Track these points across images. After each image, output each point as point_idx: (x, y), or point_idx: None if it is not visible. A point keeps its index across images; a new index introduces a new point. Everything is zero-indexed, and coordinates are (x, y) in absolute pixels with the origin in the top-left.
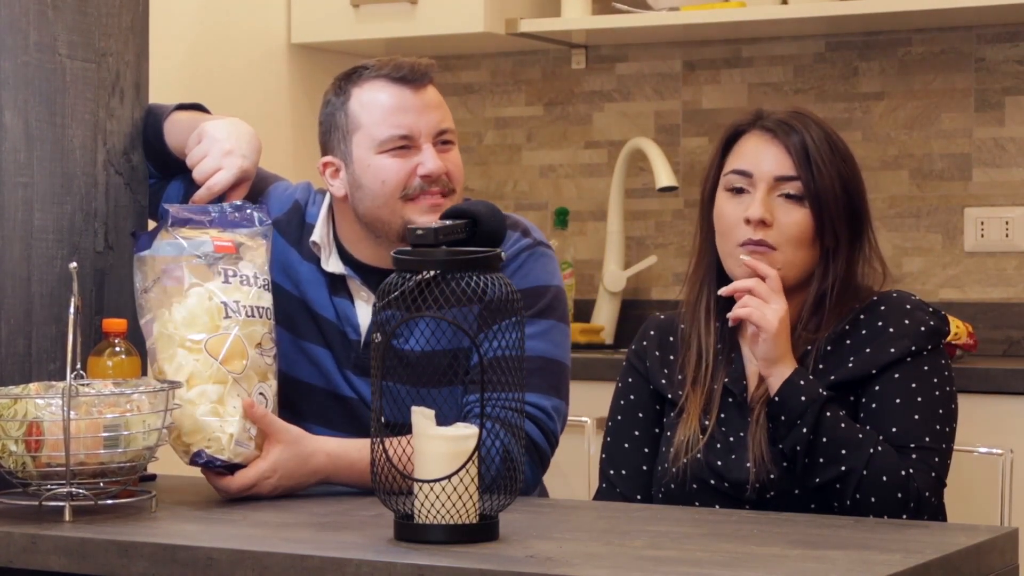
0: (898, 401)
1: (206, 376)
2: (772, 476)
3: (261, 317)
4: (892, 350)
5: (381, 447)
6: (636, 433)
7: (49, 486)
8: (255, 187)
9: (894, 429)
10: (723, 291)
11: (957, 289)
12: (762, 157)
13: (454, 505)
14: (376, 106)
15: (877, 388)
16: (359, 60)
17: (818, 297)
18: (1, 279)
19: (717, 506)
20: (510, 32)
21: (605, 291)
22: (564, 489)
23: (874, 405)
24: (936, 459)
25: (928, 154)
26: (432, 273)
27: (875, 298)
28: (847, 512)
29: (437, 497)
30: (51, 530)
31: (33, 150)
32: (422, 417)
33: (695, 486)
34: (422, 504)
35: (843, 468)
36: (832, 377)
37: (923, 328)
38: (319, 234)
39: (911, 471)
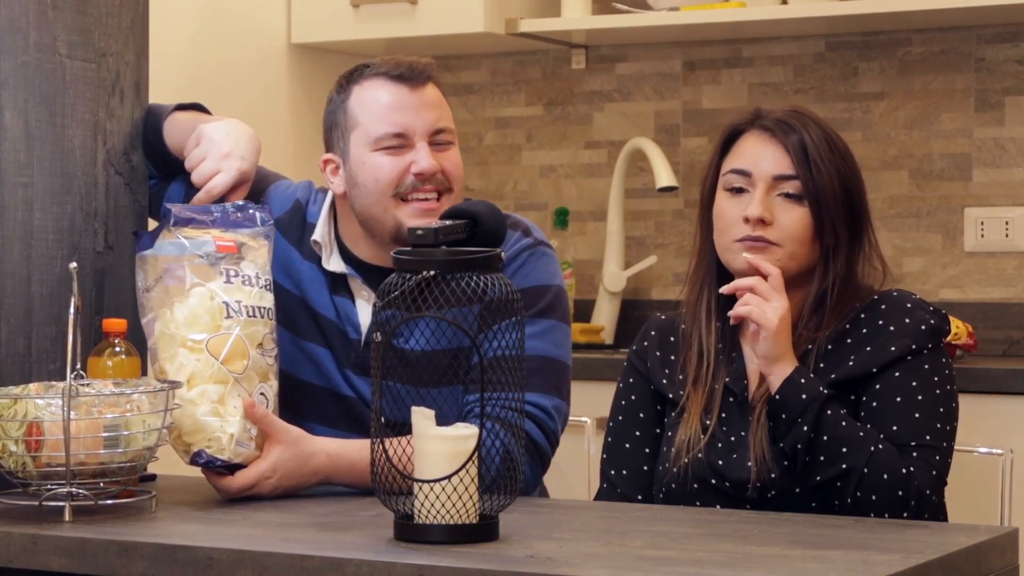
0: (899, 400)
1: (207, 376)
2: (773, 475)
3: (263, 317)
4: (893, 349)
5: (381, 447)
6: (637, 433)
7: (49, 486)
8: (256, 186)
9: (895, 427)
10: (724, 289)
11: (957, 289)
12: (761, 156)
13: (454, 505)
14: (373, 104)
15: (878, 387)
16: (359, 60)
17: (818, 296)
18: (1, 279)
19: (718, 505)
20: (510, 32)
21: (605, 291)
22: (564, 489)
23: (875, 404)
24: (937, 457)
25: (928, 154)
26: (432, 273)
27: (876, 297)
28: (848, 510)
29: (437, 497)
30: (51, 530)
31: (33, 150)
32: (422, 417)
33: (696, 485)
34: (422, 504)
35: (844, 466)
36: (833, 376)
37: (924, 327)
38: (320, 233)
39: (912, 469)
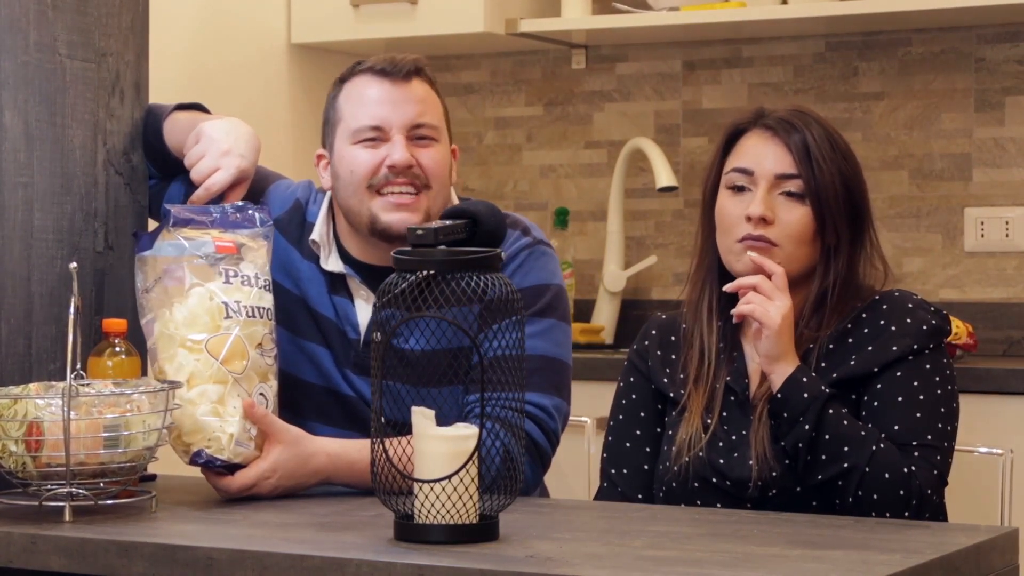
0: (900, 399)
1: (206, 376)
2: (774, 474)
3: (262, 317)
4: (894, 348)
5: (381, 447)
6: (637, 432)
7: (49, 486)
8: (256, 186)
9: (896, 427)
10: (728, 287)
11: (957, 289)
12: (763, 155)
13: (454, 505)
14: (356, 98)
15: (879, 386)
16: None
17: (819, 295)
18: (1, 279)
19: (719, 504)
20: (510, 32)
21: (605, 291)
22: (564, 489)
23: (876, 403)
24: (938, 457)
25: (928, 154)
26: (430, 272)
27: (877, 297)
28: (849, 510)
29: (437, 497)
30: (51, 530)
31: (33, 150)
32: (422, 417)
33: (697, 484)
34: (422, 504)
35: (845, 465)
36: (834, 375)
37: (925, 327)
38: (319, 232)
39: (913, 469)
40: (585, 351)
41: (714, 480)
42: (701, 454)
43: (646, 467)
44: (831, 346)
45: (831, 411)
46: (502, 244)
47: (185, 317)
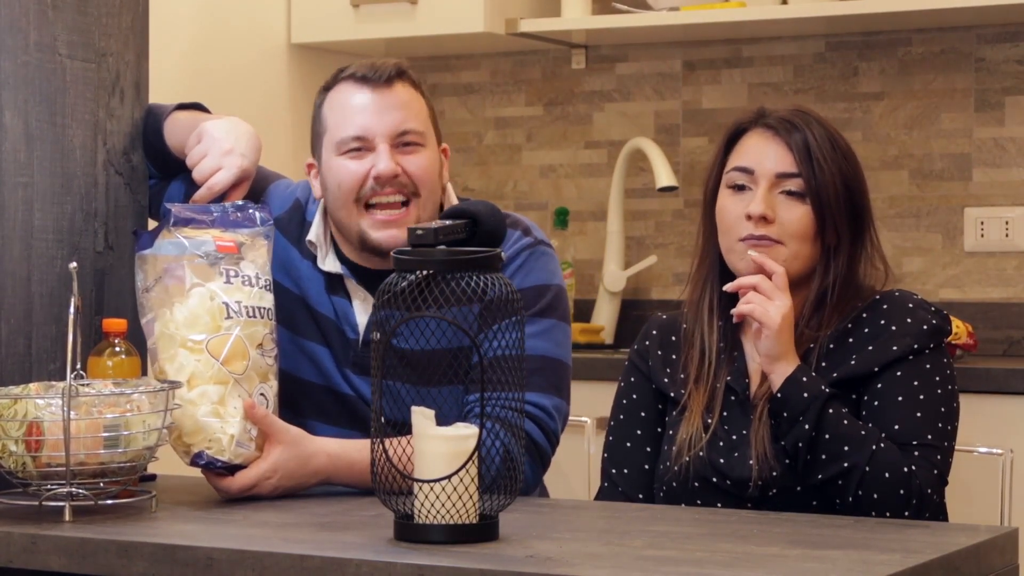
0: (900, 399)
1: (207, 376)
2: (775, 473)
3: (262, 318)
4: (894, 348)
5: (381, 447)
6: (638, 432)
7: (49, 486)
8: (256, 186)
9: (896, 427)
10: (728, 287)
11: (957, 289)
12: (764, 154)
13: (454, 505)
14: (339, 108)
15: (879, 386)
16: (359, 60)
17: (820, 295)
18: (1, 279)
19: (719, 504)
20: (510, 32)
21: (605, 291)
22: (564, 489)
23: (876, 403)
24: (938, 456)
25: (928, 154)
26: (429, 272)
27: (877, 297)
28: (849, 509)
29: (437, 497)
30: (51, 530)
31: (33, 150)
32: (422, 417)
33: (697, 484)
34: (422, 504)
35: (845, 465)
36: (835, 375)
37: (925, 327)
38: (315, 233)
39: (913, 468)
40: (585, 351)
41: (714, 480)
42: (701, 454)
43: (647, 467)
44: (831, 346)
45: (831, 411)
46: (502, 244)
47: (186, 317)
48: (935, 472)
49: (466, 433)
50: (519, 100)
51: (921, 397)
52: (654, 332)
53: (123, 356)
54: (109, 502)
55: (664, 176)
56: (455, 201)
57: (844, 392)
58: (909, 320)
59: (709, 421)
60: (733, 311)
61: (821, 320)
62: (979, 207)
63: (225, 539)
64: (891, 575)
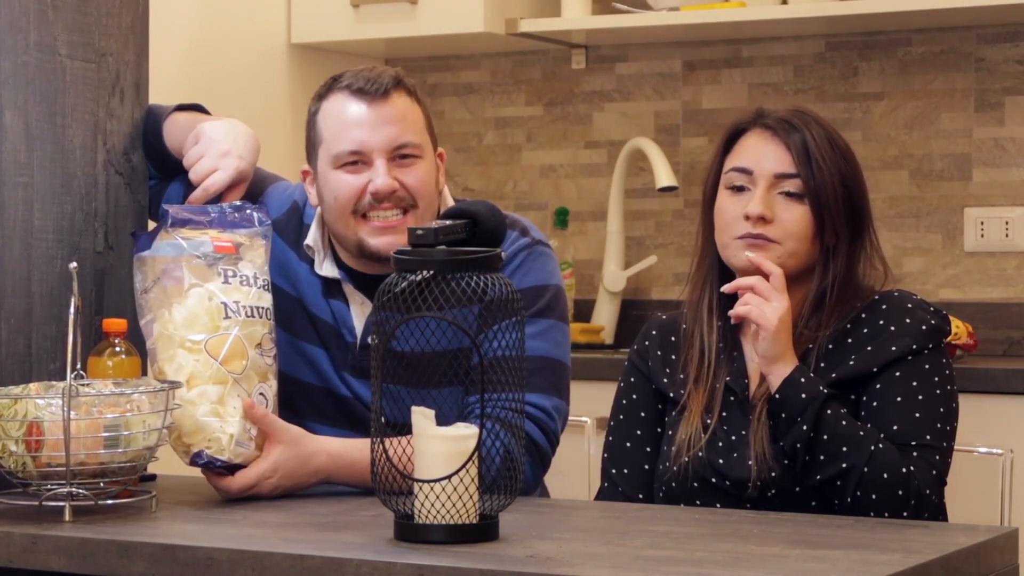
0: (899, 399)
1: (206, 377)
2: (774, 474)
3: (261, 317)
4: (893, 348)
5: (381, 447)
6: (638, 432)
7: (49, 486)
8: (254, 188)
9: (895, 427)
10: (726, 288)
11: (957, 289)
12: (762, 155)
13: (454, 505)
14: (334, 120)
15: (878, 386)
16: (359, 60)
17: (818, 295)
18: (1, 279)
19: (718, 504)
20: (510, 32)
21: (605, 291)
22: (564, 489)
23: (875, 403)
24: (937, 457)
25: (928, 154)
26: (428, 273)
27: (876, 297)
28: (848, 510)
29: (437, 497)
30: (51, 530)
31: (33, 150)
32: (422, 417)
33: (696, 484)
34: (422, 504)
35: (844, 465)
36: (833, 375)
37: (924, 327)
38: (313, 238)
39: (912, 469)
40: (585, 351)
41: (713, 480)
42: (701, 454)
43: (646, 467)
44: (830, 346)
45: (829, 411)
46: (501, 244)
47: (184, 318)
48: (934, 472)
49: (466, 433)
50: (519, 100)
51: (920, 397)
52: (654, 332)
53: (123, 356)
54: (109, 502)
55: (664, 176)
56: (451, 203)
57: (843, 392)
58: (908, 320)
59: (708, 421)
60: (730, 313)
61: (820, 320)
62: (979, 207)
63: (225, 539)
64: (891, 575)
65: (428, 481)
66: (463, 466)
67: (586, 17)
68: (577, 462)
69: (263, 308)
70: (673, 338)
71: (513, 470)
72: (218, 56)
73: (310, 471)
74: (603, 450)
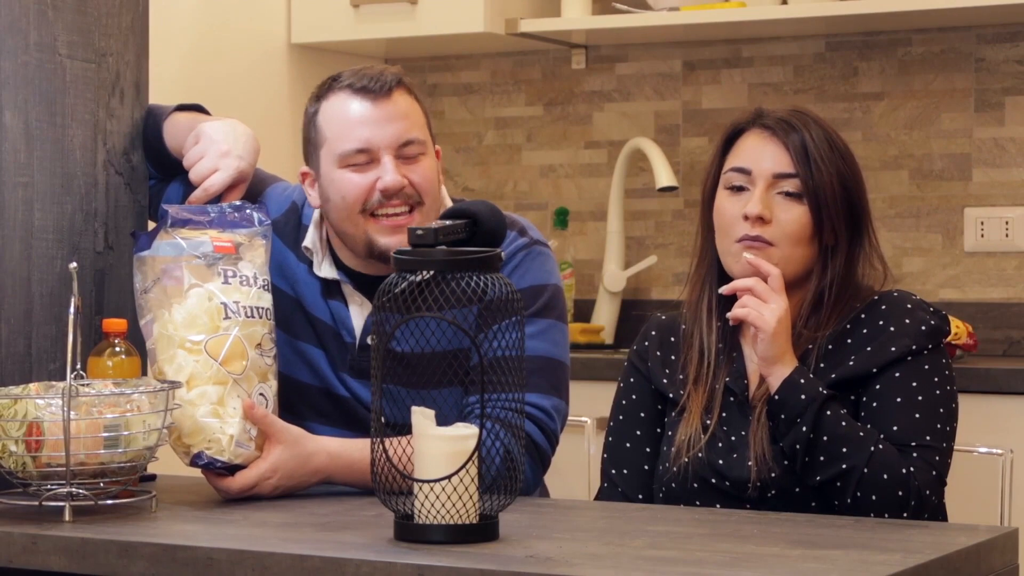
0: (899, 400)
1: (206, 377)
2: (773, 474)
3: (261, 318)
4: (893, 349)
5: (381, 447)
6: (638, 433)
7: (49, 486)
8: (253, 188)
9: (895, 428)
10: (723, 290)
11: (957, 289)
12: (761, 155)
13: (454, 505)
14: (337, 119)
15: (878, 387)
16: (359, 60)
17: (817, 295)
18: (1, 279)
19: (718, 505)
20: (510, 32)
21: (605, 291)
22: (564, 489)
23: (875, 404)
24: (937, 457)
25: (928, 154)
26: (429, 273)
27: (876, 297)
28: (848, 510)
29: (437, 497)
30: (51, 530)
31: (33, 150)
32: (422, 417)
33: (696, 485)
34: (422, 504)
35: (844, 466)
36: (833, 376)
37: (924, 327)
38: (311, 239)
39: (912, 469)
40: (585, 351)
41: (713, 481)
42: (700, 455)
43: (646, 467)
44: (830, 346)
45: (829, 412)
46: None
47: (184, 318)
48: (934, 473)
49: (466, 433)
50: (519, 100)
51: (920, 398)
52: (653, 333)
53: (123, 356)
54: (109, 502)
55: (664, 176)
56: (449, 203)
57: (843, 393)
58: (907, 321)
59: (708, 422)
60: (728, 315)
61: (819, 321)
62: (979, 207)
63: (225, 539)
64: (891, 575)
65: (428, 481)
66: (463, 466)
67: (586, 17)
68: (577, 462)
69: (263, 308)
70: (673, 339)
71: (513, 470)
72: (218, 56)
73: (310, 471)
74: (603, 450)
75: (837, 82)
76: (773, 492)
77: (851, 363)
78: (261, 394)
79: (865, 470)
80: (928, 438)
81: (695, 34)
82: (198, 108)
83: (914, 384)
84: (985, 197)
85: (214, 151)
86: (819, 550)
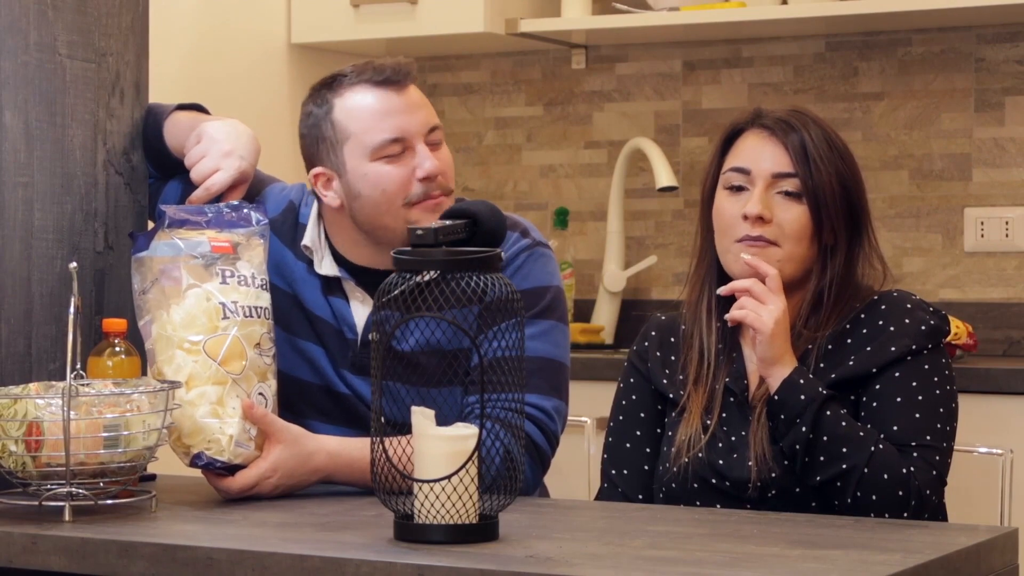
0: (899, 400)
1: (205, 377)
2: (773, 475)
3: (259, 317)
4: (893, 349)
5: (381, 447)
6: (638, 433)
7: (49, 486)
8: (252, 188)
9: (895, 428)
10: (721, 291)
11: (957, 289)
12: (760, 155)
13: (454, 505)
14: (363, 112)
15: (878, 387)
16: (359, 60)
17: (817, 295)
18: (1, 279)
19: (718, 505)
20: (510, 32)
21: (605, 291)
22: (564, 489)
23: (875, 404)
24: (937, 457)
25: (928, 154)
26: (432, 275)
27: (876, 297)
28: (848, 510)
29: (437, 497)
30: (51, 530)
31: (33, 150)
32: (422, 417)
33: (696, 485)
34: (422, 504)
35: (844, 466)
36: (833, 375)
37: (923, 327)
38: (310, 237)
39: (912, 469)
40: (585, 351)
41: (713, 481)
42: (700, 455)
43: (646, 467)
44: (830, 346)
45: (828, 412)
46: (502, 245)
47: (183, 318)
48: (934, 473)
49: (466, 433)
50: (519, 100)
51: (920, 398)
52: (653, 333)
53: (123, 356)
54: (109, 502)
55: (664, 176)
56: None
57: (842, 393)
58: (907, 321)
59: (708, 422)
60: (726, 317)
61: (819, 321)
62: (979, 207)
63: (225, 539)
64: (891, 575)
65: (428, 481)
66: (463, 466)
67: (586, 17)
68: (577, 462)
69: (261, 308)
70: (672, 339)
71: (513, 470)
72: (218, 56)
73: (310, 470)
74: (603, 451)
75: (837, 82)
76: (773, 492)
77: (851, 363)
78: (260, 394)
79: (865, 470)
80: (928, 438)
81: (695, 34)
82: (198, 108)
83: (914, 384)
84: (985, 197)
85: (216, 151)
86: (819, 550)
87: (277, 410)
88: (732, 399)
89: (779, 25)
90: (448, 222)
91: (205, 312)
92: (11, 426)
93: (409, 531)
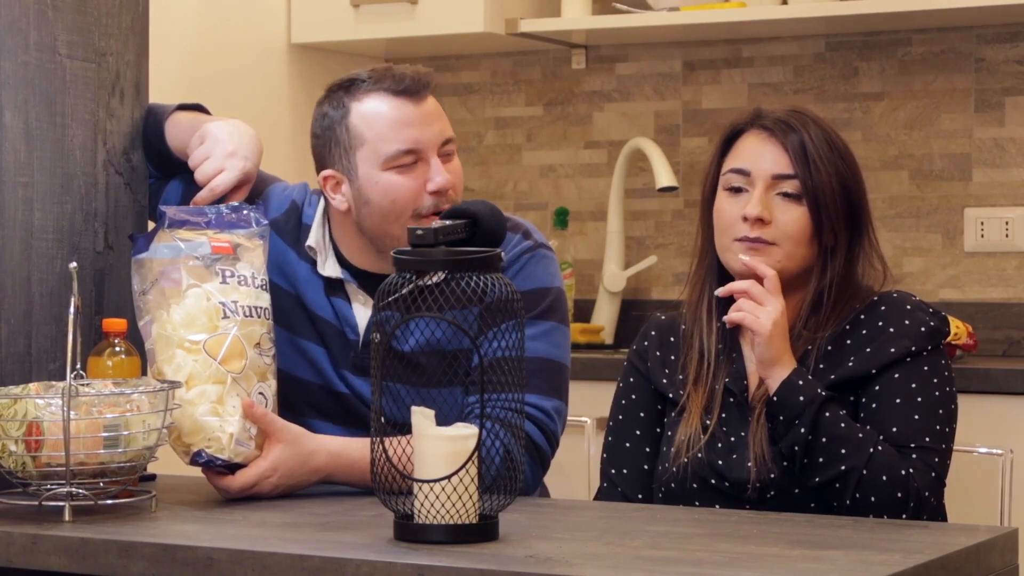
0: (898, 401)
1: (205, 376)
2: (772, 475)
3: (259, 317)
4: (892, 350)
5: (381, 447)
6: (637, 433)
7: (49, 486)
8: (255, 189)
9: (894, 429)
10: (719, 291)
11: (957, 289)
12: (760, 156)
13: (454, 505)
14: (380, 120)
15: (877, 388)
16: (359, 60)
17: (817, 296)
18: (1, 279)
19: (717, 505)
20: (510, 32)
21: (605, 291)
22: (564, 489)
23: (874, 405)
24: (936, 459)
25: (928, 154)
26: (438, 277)
27: (875, 298)
28: (847, 511)
29: (437, 497)
30: (51, 530)
31: (33, 150)
32: (422, 417)
33: (695, 485)
34: (422, 504)
35: (843, 467)
36: (832, 376)
37: (923, 328)
38: (314, 238)
39: (911, 471)
40: (585, 351)
41: (712, 481)
42: (700, 455)
43: (646, 467)
44: (829, 347)
45: (828, 413)
46: (503, 246)
47: (183, 318)
48: (933, 475)
49: (466, 433)
50: (519, 100)
51: (919, 399)
52: (653, 333)
53: (123, 356)
54: (109, 502)
55: (664, 176)
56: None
57: (842, 394)
58: (907, 322)
59: (708, 422)
60: (725, 318)
61: (819, 321)
62: (979, 207)
63: (225, 539)
64: (891, 575)
65: (428, 481)
66: (463, 466)
67: (586, 17)
68: (577, 462)
69: (261, 308)
70: (672, 339)
71: (513, 470)
72: (218, 56)
73: (310, 470)
74: (602, 450)
75: (837, 82)
76: (772, 493)
77: (850, 364)
78: (260, 393)
79: (864, 471)
80: (927, 439)
81: (695, 34)
82: (199, 108)
83: (913, 385)
84: (985, 197)
85: (220, 151)
86: (819, 550)
87: (277, 410)
88: (732, 399)
89: (779, 25)
90: (448, 222)
91: (205, 312)
92: (11, 426)
93: (409, 531)
